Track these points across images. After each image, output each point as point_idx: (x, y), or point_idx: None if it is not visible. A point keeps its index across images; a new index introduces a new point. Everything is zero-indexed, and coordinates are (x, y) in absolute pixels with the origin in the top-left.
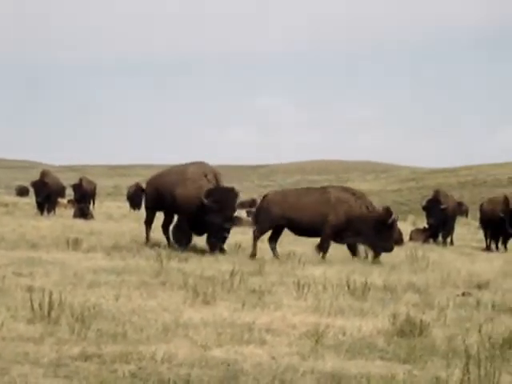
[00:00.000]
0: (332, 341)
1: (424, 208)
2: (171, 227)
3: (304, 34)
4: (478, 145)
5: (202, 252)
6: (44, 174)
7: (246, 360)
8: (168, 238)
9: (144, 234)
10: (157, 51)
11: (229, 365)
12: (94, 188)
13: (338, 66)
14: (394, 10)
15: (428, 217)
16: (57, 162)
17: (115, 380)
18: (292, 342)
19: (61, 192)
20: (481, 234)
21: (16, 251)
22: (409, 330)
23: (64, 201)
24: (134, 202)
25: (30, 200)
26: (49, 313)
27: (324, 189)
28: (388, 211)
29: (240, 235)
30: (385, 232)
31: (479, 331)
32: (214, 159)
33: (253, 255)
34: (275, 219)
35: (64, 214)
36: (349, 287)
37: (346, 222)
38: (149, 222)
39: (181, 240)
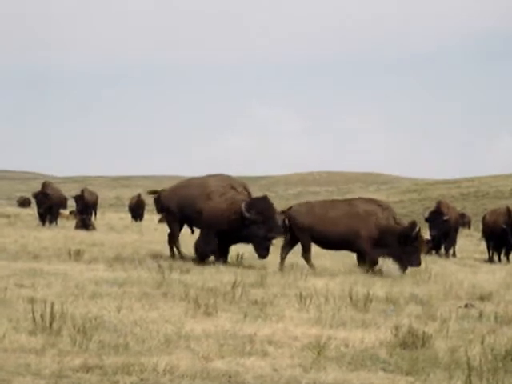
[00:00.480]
0: (334, 353)
1: (426, 219)
2: (195, 240)
3: (304, 42)
4: (480, 156)
5: (203, 263)
6: (46, 185)
7: (247, 372)
8: (172, 249)
9: (147, 246)
10: (157, 59)
11: (230, 376)
12: (96, 199)
13: (338, 76)
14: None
15: (430, 228)
16: (59, 173)
17: None
18: (294, 353)
19: (62, 203)
20: (483, 245)
21: (18, 262)
22: (411, 342)
23: (66, 212)
24: (136, 213)
25: (32, 211)
26: (50, 324)
27: (350, 201)
28: (413, 224)
29: (241, 246)
30: (410, 245)
31: (482, 343)
32: (214, 170)
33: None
34: (302, 231)
35: (66, 225)
36: (351, 299)
37: (377, 233)
38: (173, 236)
39: (204, 254)
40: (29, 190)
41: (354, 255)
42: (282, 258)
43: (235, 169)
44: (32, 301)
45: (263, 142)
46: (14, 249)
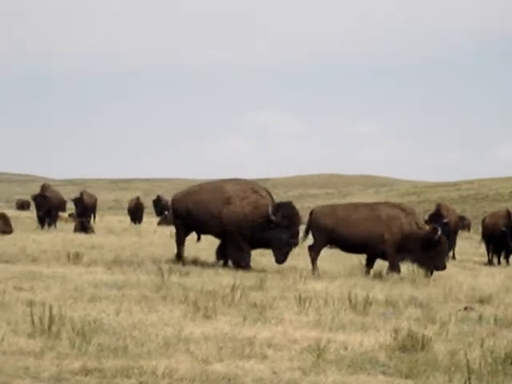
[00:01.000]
0: (334, 356)
1: (426, 222)
2: (228, 250)
3: (304, 46)
4: (479, 159)
5: (202, 266)
6: (45, 187)
7: (247, 375)
8: (179, 254)
9: (146, 249)
10: (157, 64)
11: (230, 379)
12: (95, 202)
13: (337, 80)
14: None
15: None
16: (57, 175)
17: None
18: (293, 356)
19: (61, 206)
20: (483, 248)
21: (17, 265)
22: (411, 345)
23: (65, 215)
24: (135, 216)
25: (31, 214)
26: (49, 327)
27: (373, 205)
28: (434, 228)
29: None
30: (434, 249)
31: (481, 346)
32: (214, 173)
33: (313, 274)
34: (325, 233)
35: (65, 227)
36: (350, 302)
37: (401, 238)
38: (180, 242)
39: (241, 260)
40: (28, 192)
41: (354, 257)
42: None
43: (236, 171)
44: (31, 304)
45: (263, 144)
46: (13, 252)
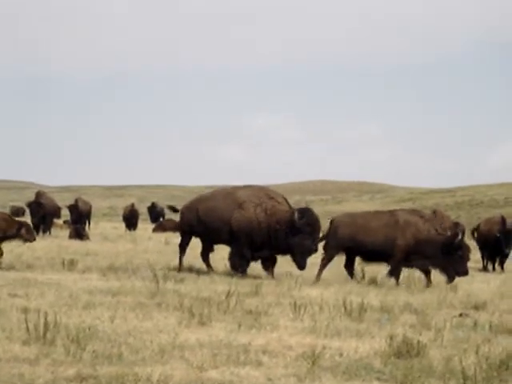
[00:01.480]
0: (329, 362)
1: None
2: (229, 255)
3: (302, 49)
4: (474, 165)
5: (197, 273)
6: (39, 194)
7: (242, 381)
8: (208, 265)
9: (140, 255)
10: (154, 70)
11: None
12: (90, 208)
13: (335, 86)
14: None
15: None
16: (52, 182)
17: None
18: (288, 363)
19: (56, 213)
20: (478, 254)
21: (11, 272)
22: (406, 351)
23: (60, 221)
24: (130, 223)
25: (26, 221)
26: (44, 334)
27: (392, 212)
28: (456, 232)
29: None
30: (455, 255)
31: (476, 352)
32: (210, 179)
33: (317, 280)
34: (343, 242)
35: (59, 234)
36: (345, 308)
37: (415, 245)
38: (183, 247)
39: (240, 266)
40: (22, 199)
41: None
42: (350, 273)
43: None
44: (25, 310)
45: (259, 151)
46: (8, 258)
